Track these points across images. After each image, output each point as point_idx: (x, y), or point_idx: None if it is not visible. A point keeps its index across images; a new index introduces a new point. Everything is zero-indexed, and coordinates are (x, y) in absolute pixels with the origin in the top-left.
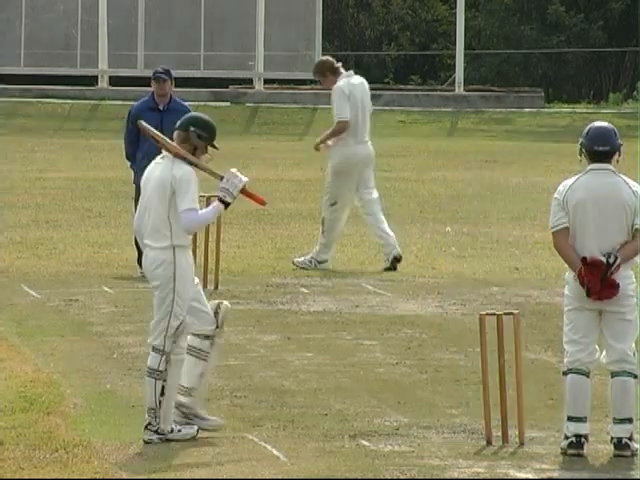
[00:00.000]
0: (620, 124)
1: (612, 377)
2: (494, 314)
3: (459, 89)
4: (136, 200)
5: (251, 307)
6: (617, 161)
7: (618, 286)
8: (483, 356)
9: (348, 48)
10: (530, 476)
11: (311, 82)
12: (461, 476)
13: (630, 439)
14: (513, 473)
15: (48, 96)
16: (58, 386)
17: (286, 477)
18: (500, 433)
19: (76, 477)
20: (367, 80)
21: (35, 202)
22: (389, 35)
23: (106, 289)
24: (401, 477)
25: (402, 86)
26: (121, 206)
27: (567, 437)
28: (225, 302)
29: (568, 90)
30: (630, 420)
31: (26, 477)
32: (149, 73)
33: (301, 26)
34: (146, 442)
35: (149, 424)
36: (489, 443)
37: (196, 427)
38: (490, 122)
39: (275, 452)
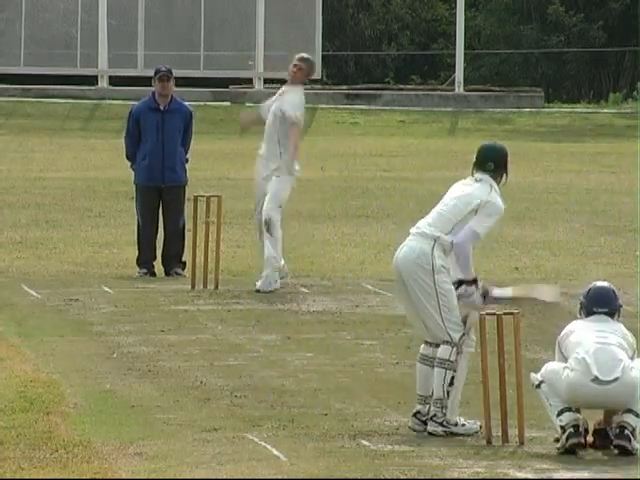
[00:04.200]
0: (620, 124)
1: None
2: (494, 314)
3: (459, 89)
4: (136, 200)
5: (251, 307)
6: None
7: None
8: (483, 356)
9: (348, 48)
10: (530, 476)
11: (311, 82)
12: (461, 476)
13: (632, 433)
14: (513, 473)
15: (48, 96)
16: (58, 386)
17: (286, 477)
18: (500, 433)
19: (76, 477)
20: (367, 80)
21: (35, 202)
22: (389, 35)
23: (106, 289)
24: (401, 477)
25: (402, 86)
26: (121, 206)
27: (564, 430)
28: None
29: (568, 90)
30: (637, 414)
31: (26, 477)
32: (149, 73)
33: (301, 26)
34: (430, 433)
35: (435, 415)
36: (489, 443)
37: (479, 423)
38: (490, 122)
39: (275, 452)
